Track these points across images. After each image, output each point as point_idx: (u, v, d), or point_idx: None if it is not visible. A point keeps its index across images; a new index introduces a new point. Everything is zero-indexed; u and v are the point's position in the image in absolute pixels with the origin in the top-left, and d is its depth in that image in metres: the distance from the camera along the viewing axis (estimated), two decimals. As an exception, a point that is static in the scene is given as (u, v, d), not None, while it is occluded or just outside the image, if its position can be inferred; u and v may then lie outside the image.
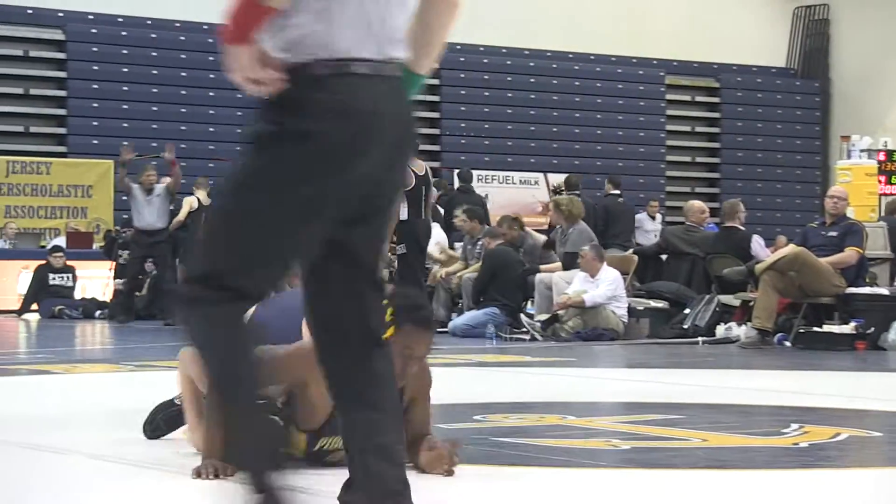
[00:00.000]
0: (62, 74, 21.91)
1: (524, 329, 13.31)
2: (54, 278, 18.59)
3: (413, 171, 12.68)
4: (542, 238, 15.46)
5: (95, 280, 19.33)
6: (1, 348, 12.09)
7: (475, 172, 21.55)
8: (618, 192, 18.17)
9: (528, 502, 3.99)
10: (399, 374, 4.18)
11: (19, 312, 18.48)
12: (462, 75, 24.57)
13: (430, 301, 13.90)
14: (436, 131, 24.42)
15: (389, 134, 2.97)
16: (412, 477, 4.11)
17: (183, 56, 22.52)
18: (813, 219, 14.29)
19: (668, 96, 26.53)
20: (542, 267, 14.33)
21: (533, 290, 14.17)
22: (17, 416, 6.26)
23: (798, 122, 27.26)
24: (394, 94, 2.99)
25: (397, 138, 2.99)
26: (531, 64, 25.24)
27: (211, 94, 22.61)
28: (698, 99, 27.13)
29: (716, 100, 27.07)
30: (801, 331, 12.20)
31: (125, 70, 21.97)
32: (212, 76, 22.64)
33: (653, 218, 22.75)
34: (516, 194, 20.88)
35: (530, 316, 13.72)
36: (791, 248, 12.61)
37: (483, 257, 14.27)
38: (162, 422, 4.84)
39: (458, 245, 15.78)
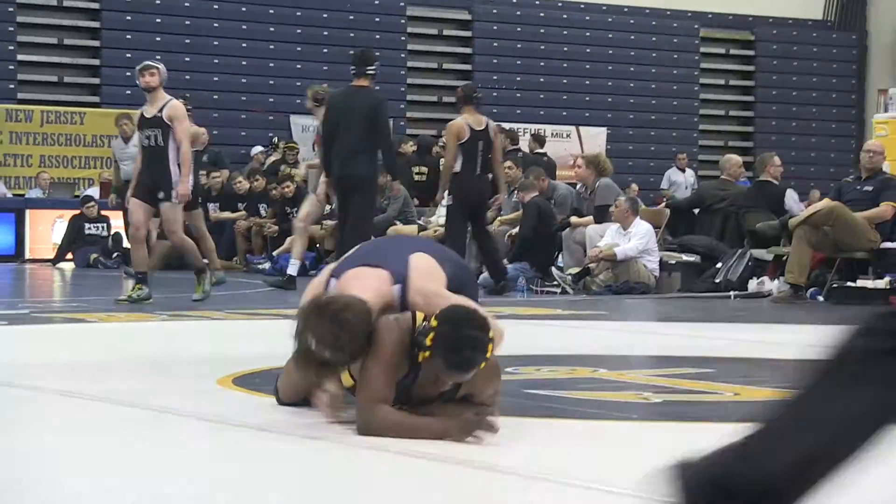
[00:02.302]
0: (96, 24, 21.93)
1: (555, 283, 13.30)
2: (89, 227, 18.69)
3: (469, 124, 12.59)
4: (571, 189, 15.44)
5: (119, 229, 19.37)
6: (36, 297, 12.16)
7: (505, 125, 21.46)
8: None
9: (560, 454, 4.00)
10: (430, 392, 4.16)
11: (54, 261, 18.59)
12: (494, 27, 24.47)
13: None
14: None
15: None
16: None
17: (216, 7, 22.50)
18: (848, 173, 14.19)
19: (703, 49, 26.34)
20: (574, 220, 14.30)
21: (563, 243, 14.19)
22: (51, 363, 6.31)
23: (834, 76, 27.03)
24: None
25: None
26: (564, 16, 25.11)
27: (243, 45, 22.59)
28: (733, 52, 26.93)
29: (750, 53, 26.86)
30: (835, 286, 12.15)
31: (158, 20, 21.97)
32: (244, 27, 22.64)
33: (682, 171, 22.67)
34: (548, 147, 20.77)
35: (561, 269, 13.71)
36: (825, 203, 12.54)
37: (525, 209, 14.24)
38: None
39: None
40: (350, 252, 4.56)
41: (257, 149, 20.69)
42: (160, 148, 10.45)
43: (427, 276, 4.27)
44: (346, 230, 11.14)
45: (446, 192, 12.64)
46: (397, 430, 4.04)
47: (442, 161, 17.43)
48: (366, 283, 4.20)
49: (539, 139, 18.69)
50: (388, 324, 4.12)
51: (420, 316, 4.15)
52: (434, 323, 4.03)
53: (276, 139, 20.83)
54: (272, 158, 19.97)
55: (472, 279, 4.75)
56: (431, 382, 4.12)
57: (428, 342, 4.02)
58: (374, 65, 11.84)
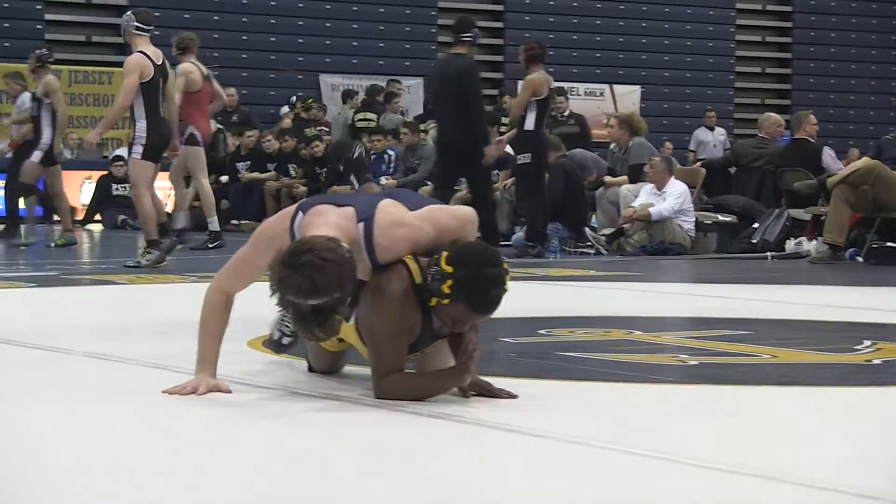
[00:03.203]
0: (123, -17, 21.93)
1: (588, 243, 13.27)
2: (117, 188, 18.75)
3: (545, 82, 12.69)
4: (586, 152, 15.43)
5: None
6: (65, 258, 12.21)
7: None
8: None
9: (594, 417, 3.98)
10: (438, 335, 4.12)
11: (83, 223, 18.67)
12: (527, -17, 24.34)
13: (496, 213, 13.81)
14: (499, 41, 24.25)
15: None
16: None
17: (244, -36, 22.46)
18: (888, 131, 14.05)
19: (739, 5, 26.15)
20: (608, 180, 14.25)
21: (596, 203, 14.15)
22: (81, 325, 6.33)
23: (873, 32, 26.79)
24: None
25: None
26: (598, -28, 24.97)
27: (272, 3, 22.55)
28: (770, 8, 26.72)
29: (788, 8, 26.65)
30: (874, 246, 12.07)
31: (186, -22, 21.97)
32: (273, -15, 22.59)
33: (711, 129, 22.46)
34: (581, 106, 20.70)
35: (594, 230, 13.67)
36: (864, 161, 12.45)
37: (552, 171, 14.22)
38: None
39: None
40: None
41: (285, 109, 20.68)
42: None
43: (393, 212, 4.15)
44: (472, 199, 11.59)
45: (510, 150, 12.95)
46: (412, 395, 4.04)
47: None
48: (328, 219, 4.08)
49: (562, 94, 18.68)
50: (389, 285, 4.03)
51: (413, 264, 4.11)
52: (448, 268, 3.95)
53: (293, 98, 20.79)
54: (287, 120, 19.86)
55: None
56: (448, 325, 4.07)
57: (447, 290, 3.96)
58: (471, 31, 12.07)
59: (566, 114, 16.45)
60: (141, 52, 10.47)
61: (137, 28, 10.52)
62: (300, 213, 4.15)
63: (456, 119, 11.71)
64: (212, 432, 3.72)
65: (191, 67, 12.42)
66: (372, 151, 17.04)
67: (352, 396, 4.16)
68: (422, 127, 17.37)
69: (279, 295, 3.88)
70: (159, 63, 10.55)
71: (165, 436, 3.65)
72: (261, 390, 4.32)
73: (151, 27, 10.64)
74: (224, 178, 18.54)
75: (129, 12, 10.78)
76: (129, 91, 10.40)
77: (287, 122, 19.69)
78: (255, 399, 4.17)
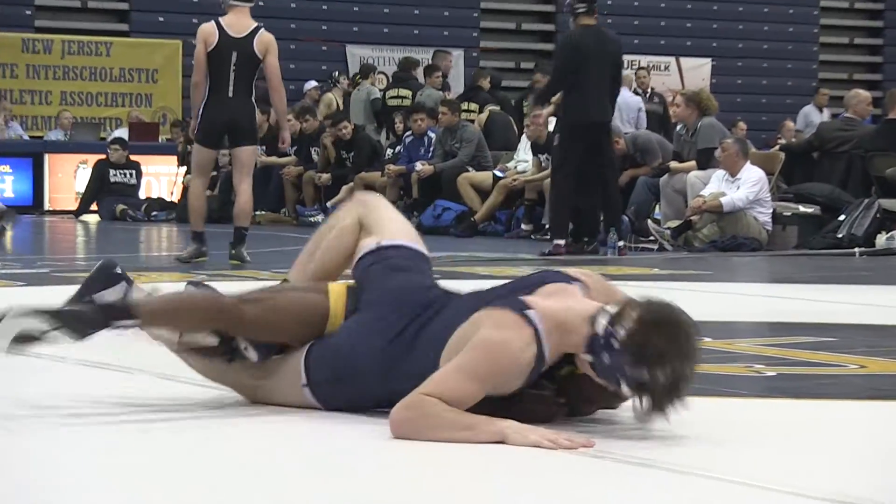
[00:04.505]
0: (123, -58, 22.05)
1: (651, 237, 13.26)
2: (115, 175, 18.85)
3: None
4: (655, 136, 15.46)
5: (162, 177, 19.61)
6: (57, 253, 12.30)
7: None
8: None
9: (657, 436, 3.98)
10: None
11: (77, 213, 18.79)
12: (582, -58, 24.32)
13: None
14: (551, 8, 24.24)
15: None
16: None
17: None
18: None
19: (824, -33, 26.09)
20: (673, 165, 14.23)
21: (660, 192, 14.14)
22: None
23: (977, -3, 26.66)
24: None
25: None
26: (663, -71, 24.94)
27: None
28: (859, -30, 26.64)
29: (879, -30, 26.55)
30: (977, 241, 12.05)
31: (195, -63, 22.05)
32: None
33: (821, 110, 22.22)
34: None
35: (658, 222, 13.67)
36: (967, 145, 12.42)
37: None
38: None
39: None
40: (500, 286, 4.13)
41: (310, 84, 20.71)
42: None
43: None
44: (606, 181, 11.93)
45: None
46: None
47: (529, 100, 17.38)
48: (570, 295, 4.14)
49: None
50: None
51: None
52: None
53: (336, 73, 20.80)
54: (329, 95, 19.91)
55: None
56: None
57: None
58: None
59: (649, 91, 16.59)
60: (215, 20, 10.46)
61: None
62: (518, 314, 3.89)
63: (607, 96, 12.02)
64: (240, 464, 3.74)
65: None
66: (409, 133, 16.91)
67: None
68: (464, 106, 17.35)
69: (665, 367, 3.82)
70: (238, 36, 10.38)
71: (182, 473, 3.67)
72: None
73: None
74: None
75: None
76: (196, 63, 10.43)
77: (330, 98, 19.66)
78: (275, 416, 4.18)
